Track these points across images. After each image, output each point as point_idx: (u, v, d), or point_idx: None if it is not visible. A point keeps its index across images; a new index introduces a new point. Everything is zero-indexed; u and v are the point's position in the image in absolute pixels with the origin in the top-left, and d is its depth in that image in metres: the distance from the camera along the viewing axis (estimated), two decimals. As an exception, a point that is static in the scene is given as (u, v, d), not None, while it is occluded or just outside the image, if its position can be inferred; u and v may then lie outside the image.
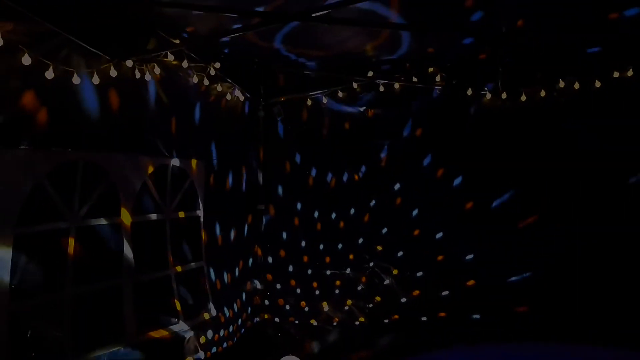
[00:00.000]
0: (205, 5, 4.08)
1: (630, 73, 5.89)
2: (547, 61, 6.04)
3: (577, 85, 6.09)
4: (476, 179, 6.40)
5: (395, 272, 6.65)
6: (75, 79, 4.04)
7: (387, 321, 6.64)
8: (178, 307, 5.38)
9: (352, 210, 6.70)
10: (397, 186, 6.62)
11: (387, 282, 6.65)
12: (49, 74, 3.84)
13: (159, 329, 5.11)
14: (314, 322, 6.72)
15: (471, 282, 6.50)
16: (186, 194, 5.59)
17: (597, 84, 6.02)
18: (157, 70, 4.71)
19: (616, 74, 5.95)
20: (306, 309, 6.75)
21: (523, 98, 6.21)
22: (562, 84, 6.14)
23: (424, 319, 6.57)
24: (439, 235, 6.58)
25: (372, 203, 6.64)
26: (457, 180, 6.51)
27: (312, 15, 4.02)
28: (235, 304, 6.34)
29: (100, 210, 4.62)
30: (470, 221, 6.44)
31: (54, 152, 4.16)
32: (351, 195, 6.66)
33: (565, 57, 5.99)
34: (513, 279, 6.40)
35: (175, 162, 5.39)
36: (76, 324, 4.33)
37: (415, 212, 6.61)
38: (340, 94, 6.44)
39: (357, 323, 6.68)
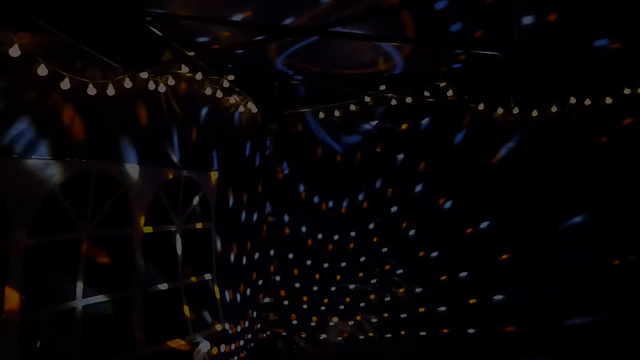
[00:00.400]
0: (221, 19, 4.11)
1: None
2: (558, 77, 6.03)
3: (587, 102, 6.08)
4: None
5: (402, 290, 6.59)
6: (90, 90, 4.05)
7: (395, 335, 6.59)
8: (188, 318, 5.35)
9: (359, 231, 6.71)
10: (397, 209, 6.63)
11: (398, 296, 6.60)
12: (65, 85, 3.86)
13: (168, 340, 5.08)
14: (323, 336, 6.67)
15: (473, 300, 6.44)
16: (198, 205, 5.59)
17: (608, 100, 6.01)
18: (172, 81, 4.73)
19: (627, 91, 5.94)
20: (315, 323, 6.72)
21: (534, 113, 6.20)
22: (573, 100, 6.12)
23: (423, 333, 6.52)
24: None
25: (372, 226, 6.66)
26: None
27: (328, 29, 4.03)
28: (245, 317, 6.31)
29: (112, 221, 4.61)
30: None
31: (67, 162, 4.16)
32: (357, 217, 6.70)
33: (576, 73, 5.99)
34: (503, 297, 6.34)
35: (187, 173, 5.38)
36: (87, 334, 4.31)
37: (419, 236, 6.60)
38: (352, 108, 6.47)
39: (365, 337, 6.64)
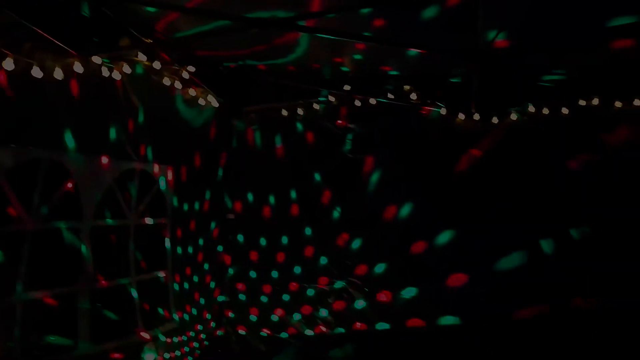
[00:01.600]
0: (182, 7, 3.99)
1: (596, 102, 6.05)
2: (518, 85, 6.14)
3: (545, 111, 6.22)
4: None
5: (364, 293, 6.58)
6: (38, 73, 3.85)
7: (348, 332, 6.56)
8: (138, 316, 5.17)
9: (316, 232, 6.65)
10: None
11: (357, 298, 6.59)
12: (9, 66, 3.64)
13: (116, 339, 4.89)
14: (278, 335, 6.59)
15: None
16: (153, 200, 5.43)
17: (565, 110, 6.16)
18: (127, 69, 4.54)
19: (582, 102, 6.10)
20: (271, 320, 6.62)
21: (495, 120, 6.29)
22: (532, 109, 6.26)
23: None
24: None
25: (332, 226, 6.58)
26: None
27: (296, 23, 3.96)
28: (199, 315, 6.17)
29: (60, 213, 4.41)
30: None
31: (13, 149, 3.95)
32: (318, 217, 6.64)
33: (534, 83, 6.12)
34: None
35: (142, 166, 5.23)
36: (28, 333, 4.10)
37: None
38: (316, 106, 6.40)
39: (319, 333, 6.59)
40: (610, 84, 5.96)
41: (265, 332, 6.62)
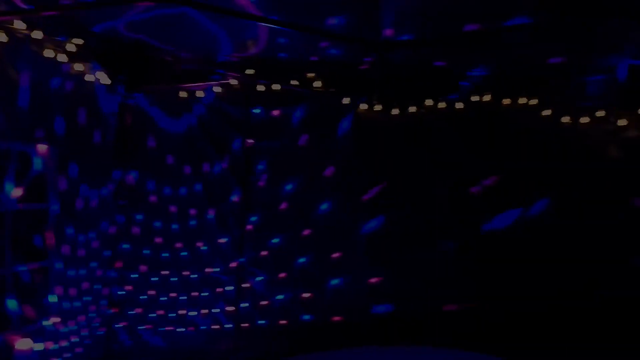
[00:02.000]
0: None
1: (488, 98, 6.46)
2: (418, 78, 6.39)
3: (442, 105, 6.53)
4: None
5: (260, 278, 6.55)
6: None
7: (255, 326, 6.55)
8: (11, 311, 4.74)
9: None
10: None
11: (254, 285, 6.52)
12: None
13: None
14: (175, 329, 6.37)
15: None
16: (32, 183, 4.96)
17: (460, 105, 6.51)
18: (3, 38, 4.05)
19: (476, 98, 6.48)
20: (168, 316, 6.38)
21: (395, 112, 6.50)
22: (429, 102, 6.53)
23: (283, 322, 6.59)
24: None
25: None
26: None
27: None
28: (83, 310, 5.76)
29: None
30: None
31: None
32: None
33: (434, 76, 6.39)
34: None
35: (19, 146, 4.78)
36: None
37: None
38: (217, 90, 6.17)
39: (222, 328, 6.48)
40: (501, 83, 6.41)
41: (153, 326, 6.36)
